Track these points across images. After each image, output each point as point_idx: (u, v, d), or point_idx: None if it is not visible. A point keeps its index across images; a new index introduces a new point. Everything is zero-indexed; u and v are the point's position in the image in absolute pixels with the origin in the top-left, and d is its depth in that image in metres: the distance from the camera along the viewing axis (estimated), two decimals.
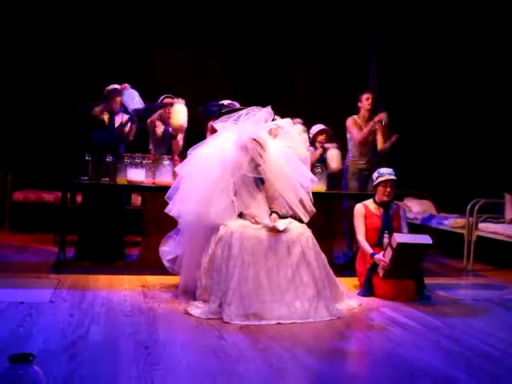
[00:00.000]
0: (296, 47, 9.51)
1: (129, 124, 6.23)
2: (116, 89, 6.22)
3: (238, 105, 6.09)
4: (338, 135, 6.81)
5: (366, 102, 6.71)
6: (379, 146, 6.73)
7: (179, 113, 6.20)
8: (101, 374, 2.93)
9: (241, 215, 4.52)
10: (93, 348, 3.34)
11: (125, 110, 6.24)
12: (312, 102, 9.24)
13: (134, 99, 6.09)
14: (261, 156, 4.59)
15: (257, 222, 4.47)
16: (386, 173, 5.34)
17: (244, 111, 4.72)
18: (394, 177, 5.32)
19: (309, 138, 5.98)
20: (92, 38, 9.02)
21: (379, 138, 6.71)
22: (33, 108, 8.98)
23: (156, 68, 9.19)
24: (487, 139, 8.24)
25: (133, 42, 9.11)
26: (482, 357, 3.50)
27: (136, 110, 6.11)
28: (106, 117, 6.25)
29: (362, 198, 5.79)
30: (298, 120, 5.79)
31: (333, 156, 6.47)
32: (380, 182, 5.33)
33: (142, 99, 6.27)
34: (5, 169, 8.87)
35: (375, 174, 5.41)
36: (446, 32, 8.70)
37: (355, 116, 6.78)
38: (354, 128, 6.71)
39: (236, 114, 4.74)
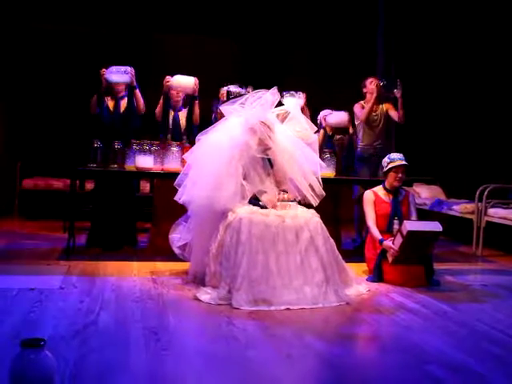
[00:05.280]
0: (303, 31, 9.45)
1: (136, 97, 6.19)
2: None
3: (243, 90, 6.07)
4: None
5: (370, 85, 6.67)
6: (396, 120, 6.67)
7: (180, 78, 6.17)
8: (111, 358, 2.95)
9: (250, 201, 4.53)
10: (103, 333, 3.37)
11: (129, 90, 6.19)
12: (320, 87, 9.19)
13: (119, 75, 6.01)
14: (270, 138, 4.59)
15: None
16: (397, 158, 5.32)
17: (250, 94, 4.71)
18: (405, 162, 5.30)
19: (316, 124, 5.96)
20: (97, 25, 9.01)
21: (392, 114, 6.66)
22: (41, 96, 9.00)
23: (162, 54, 9.17)
24: (497, 124, 8.18)
25: (138, 28, 9.09)
26: (491, 342, 3.50)
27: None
28: (111, 102, 6.22)
29: (371, 183, 5.77)
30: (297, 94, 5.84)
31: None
32: (391, 168, 5.31)
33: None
34: (14, 157, 8.91)
35: (385, 160, 5.39)
36: (458, 14, 8.61)
37: (362, 101, 6.76)
38: (360, 110, 6.69)
39: (243, 97, 4.73)
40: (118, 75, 6.00)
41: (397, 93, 6.51)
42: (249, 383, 2.82)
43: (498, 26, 8.10)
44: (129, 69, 6.01)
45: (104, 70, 6.04)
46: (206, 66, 9.11)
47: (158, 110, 6.32)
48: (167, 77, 6.19)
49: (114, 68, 6.00)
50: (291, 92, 5.81)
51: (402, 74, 8.57)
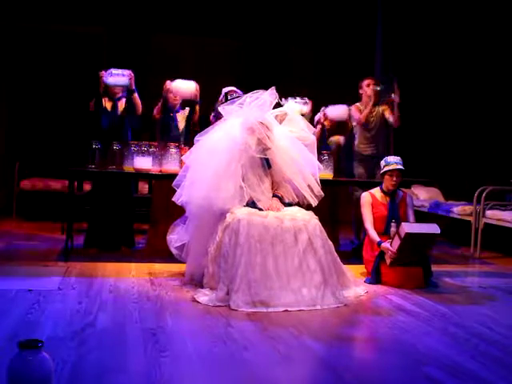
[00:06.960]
0: (300, 32, 9.47)
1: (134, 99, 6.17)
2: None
3: (240, 92, 6.07)
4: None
5: (367, 88, 6.66)
6: (392, 122, 6.66)
7: (182, 84, 6.14)
8: (109, 360, 2.95)
9: (248, 203, 4.53)
10: (101, 335, 3.36)
11: (128, 94, 6.17)
12: (317, 87, 9.20)
13: (118, 78, 5.99)
14: (268, 138, 4.59)
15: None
16: (392, 161, 5.30)
17: (249, 95, 4.71)
18: (401, 166, 5.28)
19: (312, 124, 5.96)
20: (98, 25, 9.01)
21: (387, 115, 6.65)
22: (39, 97, 8.99)
23: (162, 55, 9.18)
24: (495, 126, 8.19)
25: (138, 29, 9.09)
26: (489, 343, 3.50)
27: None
28: (108, 104, 6.20)
29: (369, 185, 5.77)
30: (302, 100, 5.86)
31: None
32: (386, 171, 5.31)
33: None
34: (12, 157, 8.91)
35: (382, 163, 5.39)
36: (457, 14, 8.61)
37: (358, 104, 6.75)
38: (357, 112, 6.69)
39: (241, 98, 4.74)
40: (117, 78, 5.98)
41: (394, 97, 6.52)
42: None
43: (497, 26, 8.11)
44: (127, 72, 5.99)
45: (103, 72, 6.02)
46: (207, 66, 9.14)
47: (156, 112, 6.31)
48: (167, 81, 6.18)
49: (112, 70, 5.99)
50: (297, 98, 5.85)
51: (400, 74, 8.59)
